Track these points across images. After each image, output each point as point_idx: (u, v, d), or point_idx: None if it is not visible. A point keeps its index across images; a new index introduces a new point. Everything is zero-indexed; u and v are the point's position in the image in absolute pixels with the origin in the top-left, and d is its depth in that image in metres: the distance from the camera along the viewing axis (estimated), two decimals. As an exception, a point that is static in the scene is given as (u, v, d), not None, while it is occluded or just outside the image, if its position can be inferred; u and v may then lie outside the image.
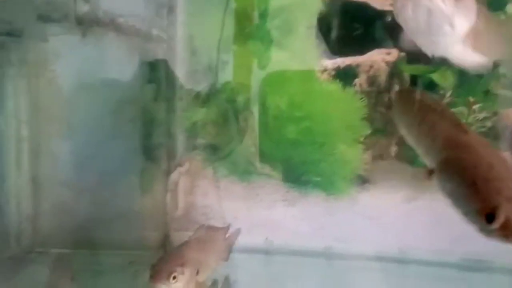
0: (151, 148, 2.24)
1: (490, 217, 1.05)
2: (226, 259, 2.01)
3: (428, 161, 1.36)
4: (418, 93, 1.65)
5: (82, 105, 2.15)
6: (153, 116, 2.23)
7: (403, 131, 1.59)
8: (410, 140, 1.53)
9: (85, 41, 2.16)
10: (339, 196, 2.33)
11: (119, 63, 2.18)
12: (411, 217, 2.25)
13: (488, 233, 1.08)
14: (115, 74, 2.18)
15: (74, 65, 2.16)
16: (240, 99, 2.27)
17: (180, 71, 2.28)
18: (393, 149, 2.29)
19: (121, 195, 2.17)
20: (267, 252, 2.30)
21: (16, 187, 2.12)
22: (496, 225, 1.04)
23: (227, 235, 2.03)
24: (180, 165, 2.28)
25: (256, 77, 2.28)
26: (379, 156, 2.31)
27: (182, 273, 1.56)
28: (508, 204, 1.05)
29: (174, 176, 2.22)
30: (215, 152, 2.34)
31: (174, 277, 1.54)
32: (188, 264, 1.60)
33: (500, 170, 1.12)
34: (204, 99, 2.26)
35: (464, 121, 2.19)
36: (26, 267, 1.98)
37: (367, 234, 2.25)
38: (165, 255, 1.71)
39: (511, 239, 1.05)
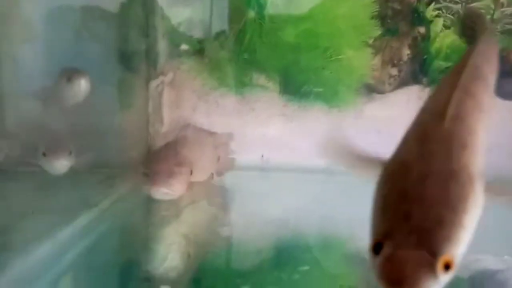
0: (129, 55, 1.96)
1: (377, 247, 0.75)
2: (221, 174, 1.81)
3: None
4: None
5: (44, 2, 1.84)
6: (128, 16, 1.93)
7: None
8: None
9: None
10: (344, 108, 2.11)
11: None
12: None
13: (372, 266, 0.77)
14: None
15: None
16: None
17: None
18: (406, 53, 2.02)
19: (97, 108, 1.91)
20: (263, 170, 2.10)
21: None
22: (378, 259, 0.74)
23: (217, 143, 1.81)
24: (163, 74, 2.01)
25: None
26: (389, 61, 2.04)
27: (180, 173, 1.36)
28: (406, 237, 0.74)
29: (155, 83, 1.96)
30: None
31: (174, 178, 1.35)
32: (184, 163, 1.40)
33: (433, 187, 0.78)
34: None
35: (489, 16, 1.90)
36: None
37: (375, 150, 2.02)
38: (158, 153, 1.49)
39: (385, 281, 0.73)
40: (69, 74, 1.65)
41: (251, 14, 2.02)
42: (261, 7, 2.01)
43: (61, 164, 1.63)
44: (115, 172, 1.86)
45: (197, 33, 2.04)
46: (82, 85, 1.65)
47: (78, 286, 1.28)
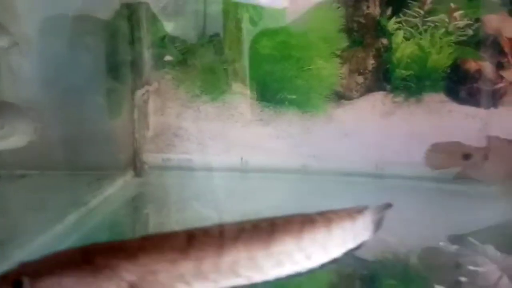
0: (117, 66, 2.11)
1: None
2: None
3: None
4: None
5: (38, 16, 1.98)
6: (117, 30, 2.08)
7: None
8: None
9: None
10: (315, 113, 2.27)
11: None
12: (388, 132, 2.21)
13: None
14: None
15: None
16: (211, 10, 2.12)
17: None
18: (371, 62, 2.21)
19: (86, 114, 2.05)
20: (243, 171, 2.25)
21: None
22: None
23: None
24: (148, 83, 2.16)
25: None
26: (356, 70, 2.23)
27: None
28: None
29: (141, 92, 2.11)
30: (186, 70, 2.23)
31: None
32: None
33: None
34: (172, 10, 2.11)
35: (444, 30, 2.10)
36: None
37: (344, 151, 2.21)
38: None
39: None
40: None
41: (230, 27, 2.18)
42: (238, 21, 2.18)
43: None
44: (103, 174, 2.00)
45: (180, 44, 2.20)
46: None
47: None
